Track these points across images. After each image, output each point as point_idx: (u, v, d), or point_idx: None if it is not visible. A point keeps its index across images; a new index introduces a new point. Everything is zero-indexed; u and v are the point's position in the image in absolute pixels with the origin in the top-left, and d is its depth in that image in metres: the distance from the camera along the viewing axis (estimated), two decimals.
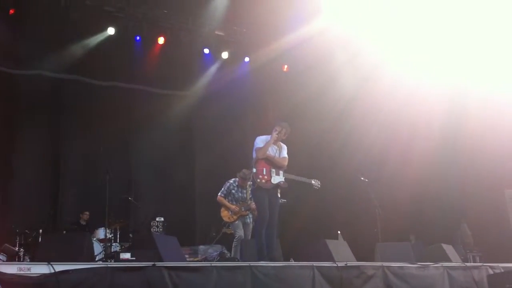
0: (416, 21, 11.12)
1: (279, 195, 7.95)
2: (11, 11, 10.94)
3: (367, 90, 12.26)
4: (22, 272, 5.16)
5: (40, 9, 11.01)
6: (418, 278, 7.94)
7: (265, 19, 11.55)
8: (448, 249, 9.15)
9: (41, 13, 11.05)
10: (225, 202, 9.70)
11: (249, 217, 9.72)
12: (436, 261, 8.41)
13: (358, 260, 8.18)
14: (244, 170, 9.65)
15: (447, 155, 12.07)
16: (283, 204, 8.67)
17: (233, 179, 9.77)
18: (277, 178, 7.86)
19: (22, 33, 11.09)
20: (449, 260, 8.70)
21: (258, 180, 7.78)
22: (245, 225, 9.74)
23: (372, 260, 8.55)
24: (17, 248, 9.15)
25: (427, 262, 8.38)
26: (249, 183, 9.86)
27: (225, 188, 9.79)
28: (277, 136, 7.95)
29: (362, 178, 10.30)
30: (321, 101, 12.71)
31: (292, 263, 8.17)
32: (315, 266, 7.16)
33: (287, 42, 12.05)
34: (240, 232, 9.50)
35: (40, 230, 9.56)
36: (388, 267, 7.78)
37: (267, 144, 7.88)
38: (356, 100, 12.51)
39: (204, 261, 9.38)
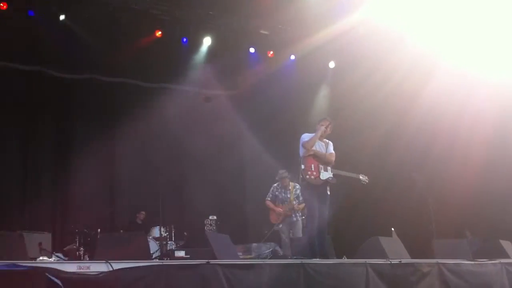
0: (469, 16, 10.86)
1: (328, 192, 7.90)
2: (62, 17, 11.25)
3: (422, 85, 12.06)
4: (81, 270, 5.29)
5: (89, 14, 11.27)
6: (475, 275, 7.78)
7: (309, 15, 11.48)
8: (507, 245, 8.91)
9: (90, 18, 11.31)
10: (271, 205, 10.22)
11: (295, 216, 9.87)
12: (494, 258, 8.21)
13: (412, 257, 8.06)
14: (280, 171, 9.88)
15: (504, 147, 11.72)
16: (336, 199, 8.64)
17: (277, 182, 10.17)
18: (326, 174, 7.81)
19: (72, 38, 11.37)
20: (508, 257, 8.48)
21: (307, 177, 7.74)
22: (291, 224, 10.04)
23: (427, 257, 8.41)
24: (76, 247, 9.42)
25: (484, 258, 8.18)
26: (291, 183, 9.96)
27: (271, 192, 10.29)
28: (324, 129, 7.91)
29: (415, 174, 10.15)
30: (372, 96, 12.54)
31: (345, 260, 8.12)
32: (368, 263, 7.09)
33: (333, 38, 11.95)
34: (283, 236, 9.85)
35: (99, 230, 9.79)
36: (443, 264, 7.65)
37: (314, 137, 7.85)
38: (408, 94, 12.28)
39: (257, 259, 9.44)
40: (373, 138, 12.66)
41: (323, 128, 7.89)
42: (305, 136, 7.96)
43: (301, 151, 7.93)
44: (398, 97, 12.28)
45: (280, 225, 10.08)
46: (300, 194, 9.76)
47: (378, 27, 11.61)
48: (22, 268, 4.89)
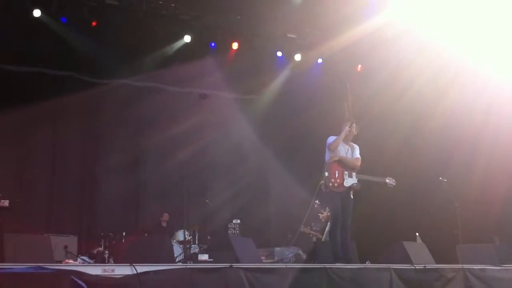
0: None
1: (352, 196, 7.84)
2: (94, 23, 11.47)
3: (446, 89, 11.93)
4: (106, 273, 5.37)
5: (120, 20, 11.45)
6: (501, 281, 7.65)
7: (336, 19, 11.45)
8: None
9: (121, 24, 11.48)
10: None
11: None
12: None
13: (437, 262, 7.98)
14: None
15: None
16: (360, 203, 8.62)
17: None
18: (350, 181, 7.73)
19: (103, 44, 11.58)
20: None
21: (331, 184, 7.64)
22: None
23: (453, 262, 8.31)
24: (101, 249, 9.59)
25: (511, 264, 8.05)
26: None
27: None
28: (349, 130, 7.83)
29: (441, 178, 10.03)
30: (396, 100, 12.45)
31: (369, 265, 8.08)
32: (393, 268, 7.05)
33: (359, 41, 11.90)
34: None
35: (124, 233, 9.93)
36: (469, 269, 7.55)
37: (339, 137, 7.74)
38: (432, 98, 12.17)
39: (280, 263, 9.46)
40: (397, 141, 12.56)
41: (347, 128, 7.81)
42: (331, 138, 7.87)
43: (327, 155, 7.84)
44: (422, 101, 12.16)
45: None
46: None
47: (404, 30, 11.51)
48: (48, 271, 5.01)
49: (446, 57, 11.64)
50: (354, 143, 8.04)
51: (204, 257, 8.83)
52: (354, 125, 7.85)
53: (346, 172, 7.74)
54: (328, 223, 9.57)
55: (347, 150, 7.89)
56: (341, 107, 13.63)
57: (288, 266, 6.67)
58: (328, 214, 9.85)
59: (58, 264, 5.95)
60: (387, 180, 8.14)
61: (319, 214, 10.64)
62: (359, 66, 13.77)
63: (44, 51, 11.24)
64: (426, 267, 7.39)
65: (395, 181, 8.21)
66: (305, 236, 10.56)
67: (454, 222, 9.59)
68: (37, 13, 10.86)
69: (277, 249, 10.70)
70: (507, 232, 11.41)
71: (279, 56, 13.31)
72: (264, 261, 9.26)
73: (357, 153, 7.92)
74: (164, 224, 11.43)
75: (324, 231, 10.13)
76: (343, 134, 7.79)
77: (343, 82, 13.86)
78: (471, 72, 11.50)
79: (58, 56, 11.57)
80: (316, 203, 10.26)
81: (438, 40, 11.51)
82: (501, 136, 11.34)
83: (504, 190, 11.47)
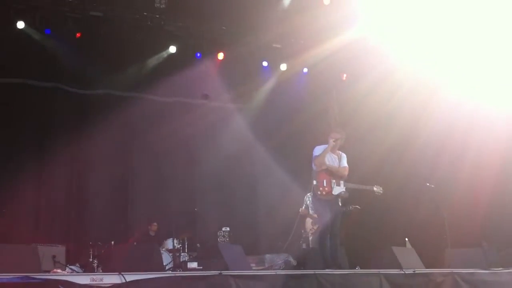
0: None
1: (340, 204, 7.91)
2: (78, 35, 11.45)
3: (432, 95, 12.05)
4: (94, 283, 5.37)
5: (105, 31, 11.44)
6: (490, 284, 7.71)
7: (321, 29, 11.55)
8: None
9: (106, 36, 11.47)
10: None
11: None
12: (509, 267, 8.12)
13: (427, 267, 8.01)
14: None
15: None
16: (352, 211, 8.66)
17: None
18: (338, 189, 7.82)
19: (88, 55, 11.56)
20: None
21: (319, 193, 7.76)
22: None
23: (442, 267, 8.35)
24: (90, 259, 9.51)
25: (500, 268, 8.10)
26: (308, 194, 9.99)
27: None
28: (334, 143, 7.89)
29: (428, 184, 10.10)
30: (381, 106, 12.54)
31: (359, 270, 8.11)
32: (382, 273, 7.08)
33: (342, 49, 11.99)
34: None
35: (112, 242, 9.82)
36: (458, 273, 7.60)
37: (324, 152, 7.83)
38: (418, 104, 12.27)
39: (270, 269, 9.44)
40: (383, 148, 12.63)
41: (332, 141, 7.87)
42: (317, 150, 7.96)
43: (314, 166, 7.94)
44: (408, 107, 12.27)
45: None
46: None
47: (388, 38, 11.63)
48: (35, 281, 4.97)
49: (431, 62, 11.77)
50: (341, 150, 8.10)
51: (193, 265, 8.81)
52: (339, 137, 7.89)
53: (334, 181, 7.85)
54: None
55: (335, 159, 7.95)
56: (328, 116, 13.72)
57: (278, 273, 6.68)
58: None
59: (46, 274, 5.90)
60: (374, 188, 8.30)
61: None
62: (345, 75, 13.86)
63: (28, 63, 11.17)
64: (416, 271, 7.44)
65: (382, 188, 8.34)
66: (295, 243, 10.58)
67: (442, 227, 9.63)
68: (20, 25, 10.83)
69: (268, 256, 10.69)
70: (495, 236, 11.49)
71: (264, 66, 13.38)
72: (254, 268, 9.25)
73: (344, 162, 8.01)
74: (152, 234, 11.35)
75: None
76: (328, 149, 7.88)
77: (329, 91, 13.94)
78: (457, 78, 11.63)
79: (42, 68, 11.52)
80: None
81: (421, 46, 11.63)
82: (486, 140, 11.44)
83: (490, 194, 11.57)
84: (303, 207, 10.41)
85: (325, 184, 7.77)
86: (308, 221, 10.32)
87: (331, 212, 7.77)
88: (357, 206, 8.77)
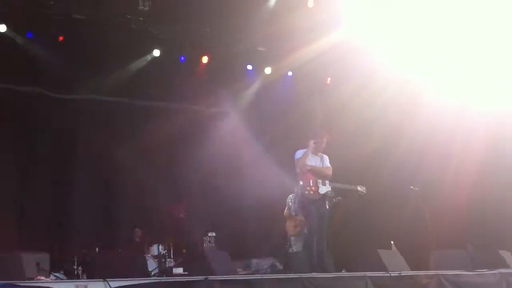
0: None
1: (327, 206, 7.95)
2: (60, 38, 11.33)
3: (416, 98, 12.14)
4: None
5: (88, 34, 11.34)
6: (475, 285, 7.78)
7: (305, 32, 11.56)
8: (507, 255, 8.89)
9: (89, 39, 11.37)
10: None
11: None
12: (493, 268, 8.19)
13: (413, 269, 8.05)
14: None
15: (499, 156, 11.72)
16: (337, 211, 8.68)
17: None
18: (324, 188, 7.92)
19: (71, 59, 11.43)
20: (507, 267, 8.46)
21: (306, 192, 7.84)
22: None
23: (427, 269, 8.39)
24: (75, 267, 9.41)
25: (484, 269, 8.16)
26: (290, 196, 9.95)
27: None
28: (314, 145, 7.98)
29: (412, 187, 10.17)
30: (366, 108, 12.59)
31: (344, 274, 8.12)
32: (368, 276, 7.11)
33: (329, 52, 12.02)
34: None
35: (97, 249, 9.76)
36: (443, 275, 7.65)
37: (305, 154, 7.93)
38: (402, 107, 12.34)
39: (256, 274, 9.41)
40: (367, 151, 12.69)
41: (311, 144, 7.97)
42: (298, 154, 8.10)
43: (297, 168, 8.00)
44: (392, 110, 12.34)
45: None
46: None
47: (372, 40, 11.68)
48: None
49: (415, 65, 11.85)
50: (325, 153, 8.19)
51: (179, 270, 8.76)
52: (319, 142, 7.97)
53: (320, 181, 7.91)
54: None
55: (317, 161, 8.05)
56: (312, 118, 13.73)
57: (263, 277, 6.66)
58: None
59: (30, 281, 5.82)
60: (358, 188, 8.52)
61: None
62: (329, 79, 13.90)
63: (9, 67, 11.00)
64: (401, 274, 7.47)
65: (366, 189, 8.55)
66: (281, 247, 10.53)
67: (427, 229, 9.70)
68: (2, 28, 10.70)
69: (254, 260, 10.66)
70: (479, 237, 11.59)
71: (249, 70, 13.37)
72: (240, 273, 9.22)
73: (327, 163, 8.17)
74: (137, 239, 11.27)
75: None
76: (308, 151, 8.00)
77: (313, 94, 13.96)
78: (441, 81, 11.73)
79: (24, 72, 11.32)
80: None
81: (406, 48, 11.69)
82: (470, 143, 11.56)
83: (473, 196, 11.68)
84: (286, 208, 10.32)
85: (311, 184, 7.89)
86: (290, 224, 10.20)
87: (318, 214, 7.82)
88: (339, 198, 8.76)
